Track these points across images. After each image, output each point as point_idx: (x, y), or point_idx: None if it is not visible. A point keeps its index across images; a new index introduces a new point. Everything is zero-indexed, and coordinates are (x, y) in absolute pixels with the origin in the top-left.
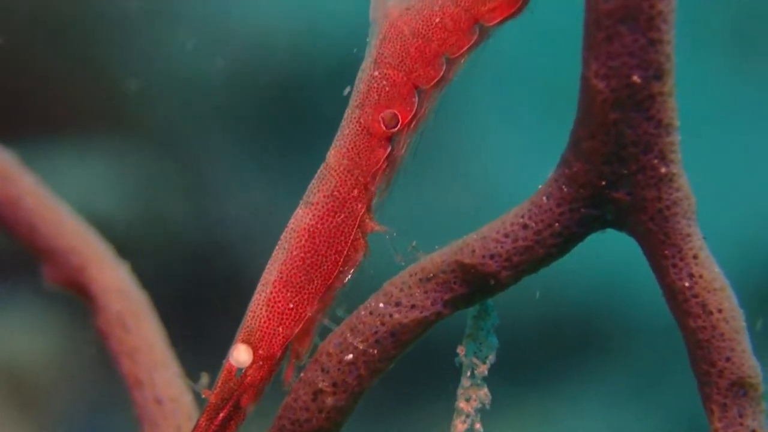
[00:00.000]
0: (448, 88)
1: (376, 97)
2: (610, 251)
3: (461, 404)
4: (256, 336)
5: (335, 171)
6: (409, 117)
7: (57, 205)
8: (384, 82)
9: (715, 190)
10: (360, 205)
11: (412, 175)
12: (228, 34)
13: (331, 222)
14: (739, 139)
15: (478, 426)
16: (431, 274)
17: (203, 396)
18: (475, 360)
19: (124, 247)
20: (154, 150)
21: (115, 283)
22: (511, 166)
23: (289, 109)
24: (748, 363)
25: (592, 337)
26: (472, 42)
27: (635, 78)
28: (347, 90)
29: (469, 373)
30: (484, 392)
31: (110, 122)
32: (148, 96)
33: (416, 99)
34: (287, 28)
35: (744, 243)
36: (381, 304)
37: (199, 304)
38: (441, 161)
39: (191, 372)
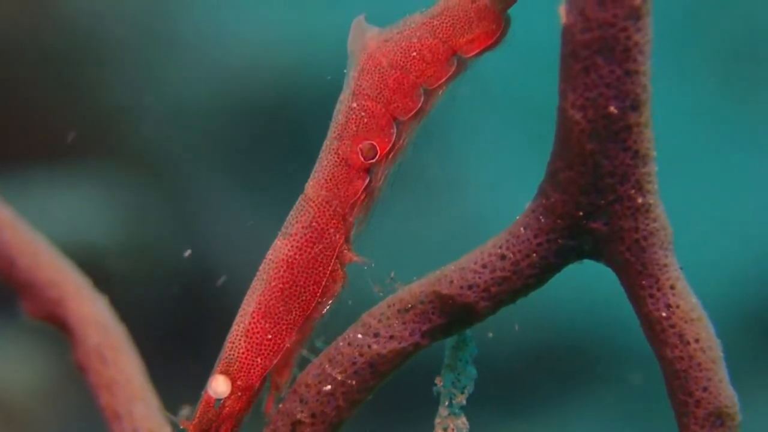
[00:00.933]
0: (428, 119)
1: (355, 129)
2: (600, 277)
3: None
4: (235, 367)
5: (313, 202)
6: (388, 148)
7: (34, 239)
8: (362, 114)
9: (708, 215)
10: (338, 236)
11: (395, 203)
12: (216, 62)
13: (310, 253)
14: (729, 164)
15: None
16: (409, 305)
17: (182, 427)
18: (453, 390)
19: (114, 274)
20: (144, 177)
21: (93, 315)
22: (496, 195)
23: (279, 136)
24: (726, 393)
25: (582, 364)
26: (450, 73)
27: (612, 109)
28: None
29: (447, 403)
30: (461, 421)
31: (100, 150)
32: (138, 124)
33: (394, 130)
34: (275, 56)
35: (735, 267)
36: (359, 335)
37: (189, 330)
38: (424, 190)
39: (179, 398)
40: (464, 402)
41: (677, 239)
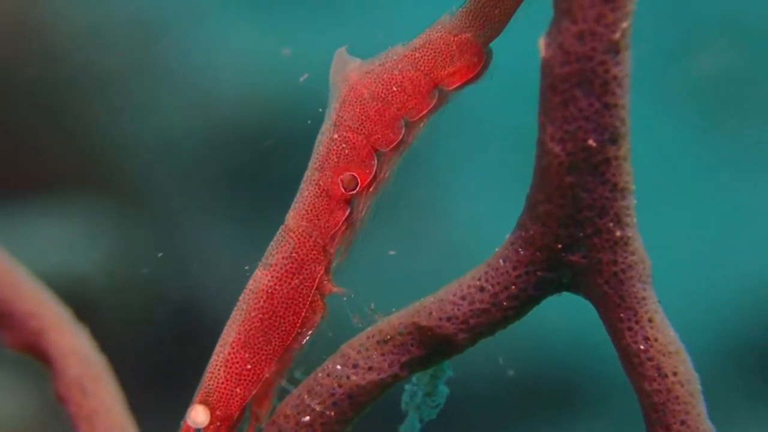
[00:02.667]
0: (409, 150)
1: (336, 160)
2: (587, 308)
3: None
4: (214, 397)
5: (294, 233)
6: (369, 179)
7: (15, 269)
8: (343, 145)
9: (695, 246)
10: (318, 267)
11: (377, 234)
12: (202, 94)
13: (290, 283)
14: (714, 196)
15: None
16: (388, 336)
17: None
18: (425, 407)
19: (100, 305)
20: (129, 209)
21: (74, 346)
22: (479, 226)
23: (265, 166)
24: (704, 426)
25: (567, 396)
26: (432, 106)
27: (591, 142)
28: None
29: (418, 419)
30: None
31: (87, 181)
32: (123, 155)
33: (375, 162)
34: (262, 87)
35: (721, 304)
36: (338, 366)
37: (172, 361)
38: (406, 221)
39: (160, 429)
40: (434, 416)
41: (665, 271)
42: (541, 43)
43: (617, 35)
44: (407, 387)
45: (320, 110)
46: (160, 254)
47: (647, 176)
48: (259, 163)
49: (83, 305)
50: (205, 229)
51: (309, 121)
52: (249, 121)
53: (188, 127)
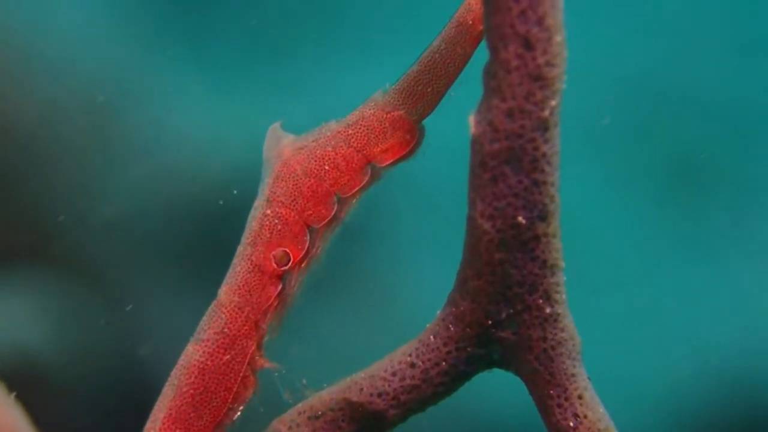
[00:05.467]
0: (344, 226)
1: (268, 235)
2: (519, 384)
3: None
4: None
5: (226, 308)
6: (301, 255)
7: None
8: (276, 221)
9: (649, 329)
10: (250, 343)
11: (311, 309)
12: (157, 166)
13: (221, 359)
14: (669, 275)
15: None
16: (320, 412)
17: None
18: None
19: (48, 379)
20: (79, 283)
21: (6, 422)
22: (417, 302)
23: (221, 240)
24: None
25: None
26: (365, 182)
27: (520, 219)
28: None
29: None
30: None
31: (34, 255)
32: (74, 229)
33: (308, 237)
34: (217, 161)
35: (676, 384)
36: None
37: None
38: (342, 296)
39: None
40: None
41: (619, 349)
42: (471, 120)
43: (546, 113)
44: None
45: (235, 192)
46: (108, 327)
47: (605, 254)
48: (210, 237)
49: (30, 379)
50: (157, 303)
51: (235, 191)
52: (201, 195)
53: (140, 201)
